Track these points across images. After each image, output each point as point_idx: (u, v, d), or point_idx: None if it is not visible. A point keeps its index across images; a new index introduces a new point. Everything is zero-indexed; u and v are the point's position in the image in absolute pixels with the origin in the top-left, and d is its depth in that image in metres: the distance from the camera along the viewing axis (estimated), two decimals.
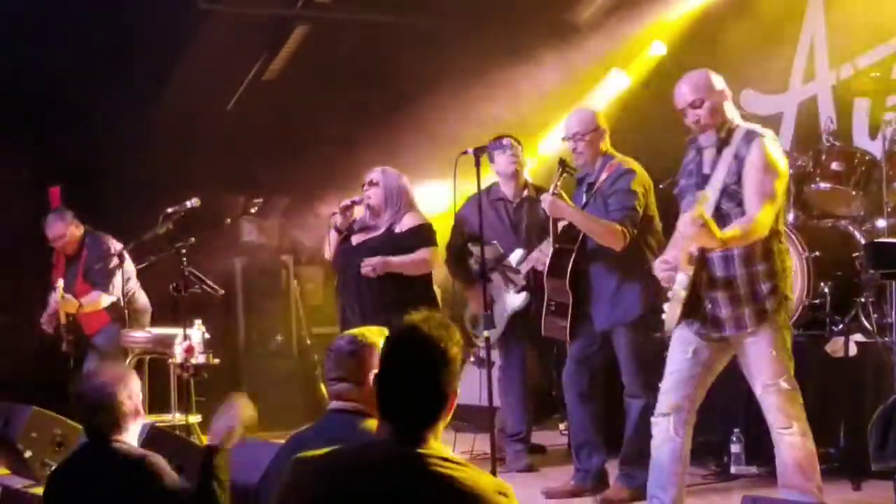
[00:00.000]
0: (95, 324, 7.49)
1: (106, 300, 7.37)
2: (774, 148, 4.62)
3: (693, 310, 4.63)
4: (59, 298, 7.15)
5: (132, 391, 3.71)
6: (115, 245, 7.52)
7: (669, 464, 4.79)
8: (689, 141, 4.88)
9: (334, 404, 3.39)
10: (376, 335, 3.32)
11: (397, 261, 6.32)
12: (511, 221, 6.77)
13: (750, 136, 4.61)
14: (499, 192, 6.80)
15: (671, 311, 4.67)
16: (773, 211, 4.56)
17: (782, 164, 4.63)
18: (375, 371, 3.08)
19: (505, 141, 6.35)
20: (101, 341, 7.50)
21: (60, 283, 7.22)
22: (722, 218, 4.52)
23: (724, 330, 4.64)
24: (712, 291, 4.63)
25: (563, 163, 5.77)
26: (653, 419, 4.86)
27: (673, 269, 4.67)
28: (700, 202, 4.34)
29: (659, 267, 4.76)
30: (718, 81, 4.74)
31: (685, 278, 4.58)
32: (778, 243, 4.65)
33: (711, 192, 4.54)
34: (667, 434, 4.78)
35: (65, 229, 7.47)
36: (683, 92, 4.75)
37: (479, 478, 2.46)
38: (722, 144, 4.66)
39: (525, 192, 6.80)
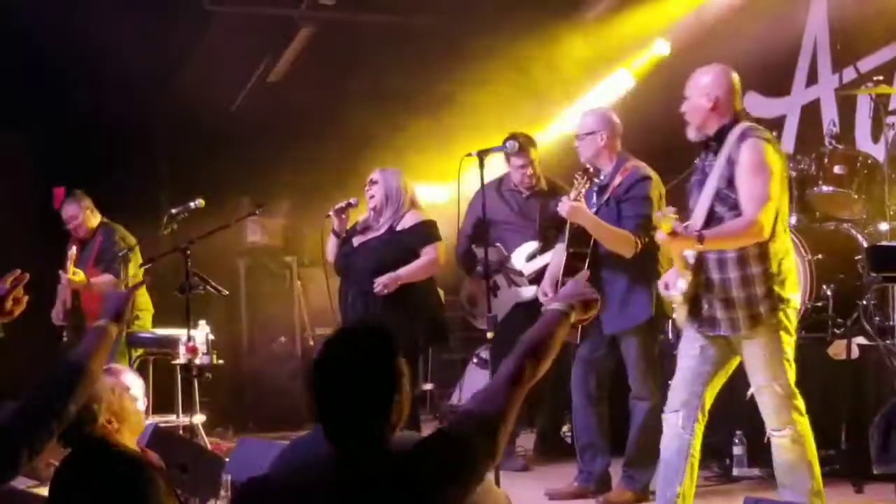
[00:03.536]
0: (98, 314, 7.51)
1: (114, 284, 7.41)
2: (762, 147, 4.55)
3: (693, 310, 4.68)
4: (70, 267, 7.27)
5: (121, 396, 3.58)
6: (129, 238, 7.68)
7: (677, 460, 4.76)
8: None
9: None
10: None
11: (407, 271, 6.33)
12: (522, 211, 6.79)
13: (742, 137, 4.58)
14: (510, 182, 6.82)
15: (678, 313, 4.76)
16: (770, 213, 4.52)
17: (774, 163, 4.57)
18: None
19: (508, 144, 6.33)
20: None
21: (73, 250, 7.36)
22: (716, 222, 4.53)
23: (720, 330, 4.64)
24: (708, 293, 4.63)
25: (587, 171, 5.73)
26: (663, 415, 4.85)
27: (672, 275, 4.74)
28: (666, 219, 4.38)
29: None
30: (714, 79, 4.71)
31: (684, 283, 4.62)
32: (776, 245, 4.59)
33: (704, 200, 4.59)
34: (675, 430, 4.76)
35: (78, 211, 7.65)
36: (687, 83, 4.78)
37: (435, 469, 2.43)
38: (718, 145, 4.66)
39: (537, 186, 6.79)
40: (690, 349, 4.76)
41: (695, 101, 4.71)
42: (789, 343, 4.59)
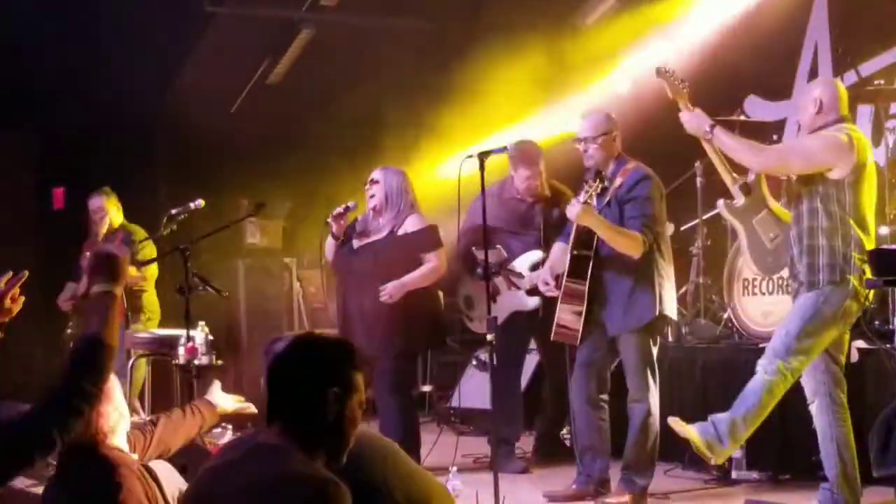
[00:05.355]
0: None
1: (132, 272, 7.45)
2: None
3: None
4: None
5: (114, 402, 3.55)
6: (142, 233, 7.91)
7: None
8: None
9: None
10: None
11: (412, 279, 6.31)
12: (524, 218, 6.77)
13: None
14: (513, 189, 6.78)
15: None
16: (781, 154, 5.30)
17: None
18: None
19: (510, 146, 6.31)
20: None
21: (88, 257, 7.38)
22: None
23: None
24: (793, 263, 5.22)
25: (598, 173, 5.71)
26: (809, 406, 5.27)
27: None
28: None
29: None
30: (821, 87, 5.25)
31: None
32: (846, 227, 5.12)
33: None
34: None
35: (104, 203, 7.93)
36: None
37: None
38: None
39: (541, 193, 6.76)
40: None
41: (804, 107, 5.24)
42: (822, 314, 5.04)
